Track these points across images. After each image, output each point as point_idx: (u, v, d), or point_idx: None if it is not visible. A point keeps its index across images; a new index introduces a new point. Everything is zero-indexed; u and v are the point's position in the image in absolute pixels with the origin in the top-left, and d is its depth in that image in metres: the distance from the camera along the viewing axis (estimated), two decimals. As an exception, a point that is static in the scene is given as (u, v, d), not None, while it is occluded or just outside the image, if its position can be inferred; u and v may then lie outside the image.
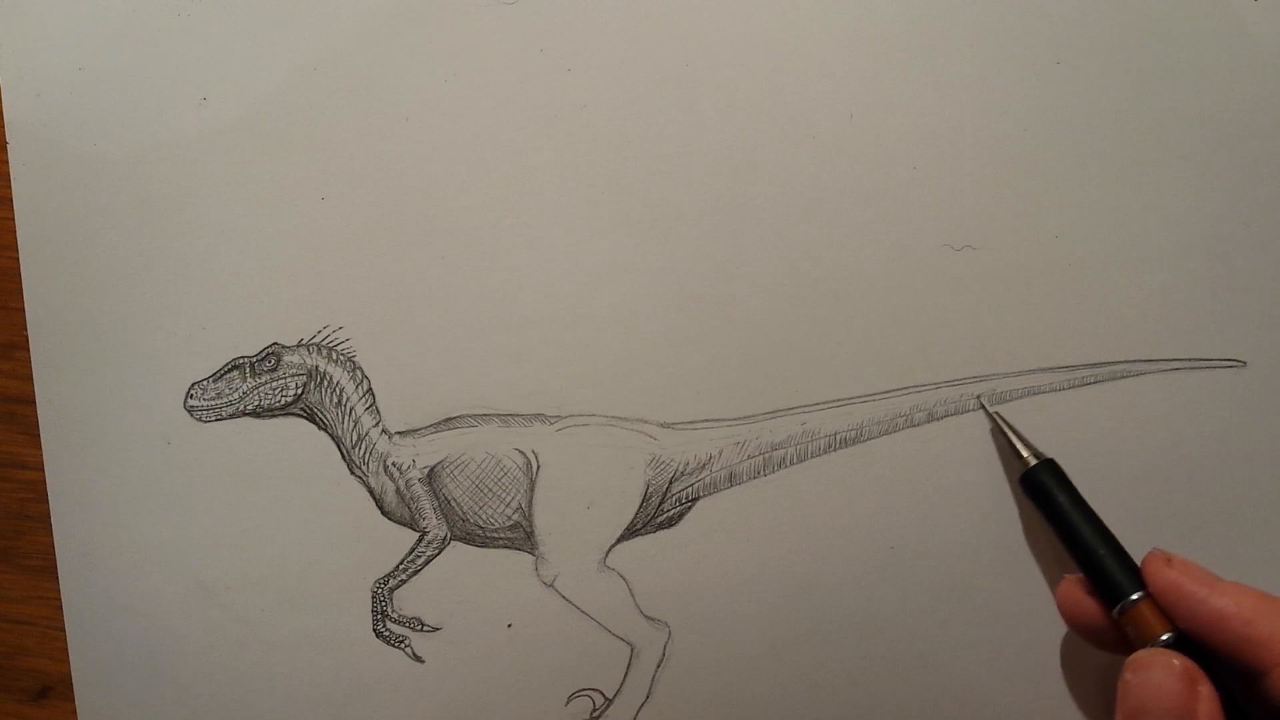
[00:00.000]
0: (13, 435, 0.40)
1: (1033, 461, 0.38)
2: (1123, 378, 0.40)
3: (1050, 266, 0.40)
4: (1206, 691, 0.31)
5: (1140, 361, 0.40)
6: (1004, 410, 0.39)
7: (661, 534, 0.40)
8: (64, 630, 0.39)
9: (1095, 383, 0.40)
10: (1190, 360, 0.40)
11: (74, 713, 0.40)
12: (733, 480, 0.40)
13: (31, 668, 0.40)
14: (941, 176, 0.40)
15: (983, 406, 0.40)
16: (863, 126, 0.40)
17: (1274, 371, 0.40)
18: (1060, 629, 0.39)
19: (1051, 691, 0.40)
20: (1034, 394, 0.40)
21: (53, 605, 0.39)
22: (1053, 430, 0.40)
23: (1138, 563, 0.35)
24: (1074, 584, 0.36)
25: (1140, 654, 0.33)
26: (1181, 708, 0.31)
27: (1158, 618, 0.33)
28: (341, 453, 0.39)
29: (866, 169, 0.40)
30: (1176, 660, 0.32)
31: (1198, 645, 0.33)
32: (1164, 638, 0.33)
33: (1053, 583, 0.39)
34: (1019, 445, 0.38)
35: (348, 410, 0.39)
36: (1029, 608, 0.40)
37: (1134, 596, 0.34)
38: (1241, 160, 0.40)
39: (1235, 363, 0.40)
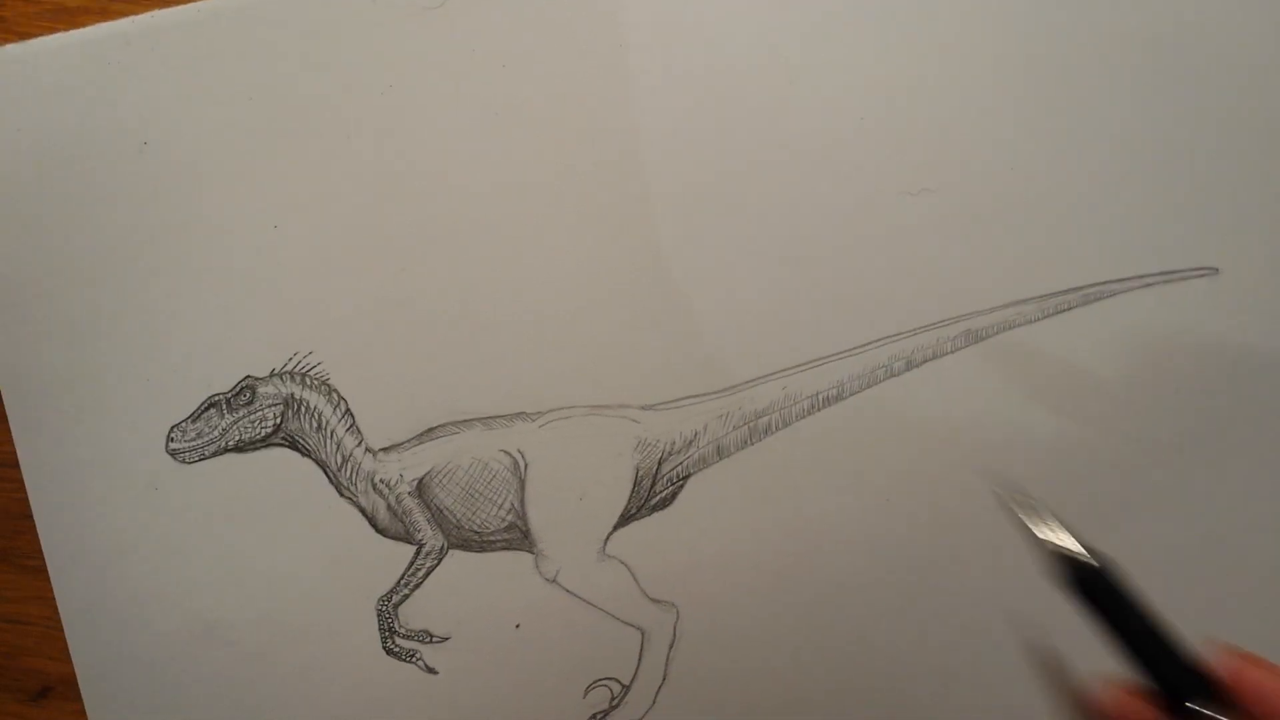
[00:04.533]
0: (4, 434, 0.40)
1: (1085, 560, 0.30)
2: (1097, 300, 0.40)
3: (1009, 201, 0.40)
4: None
5: (1112, 282, 0.40)
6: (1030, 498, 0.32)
7: (657, 516, 0.40)
8: (64, 630, 0.39)
9: (1071, 309, 0.40)
10: (1162, 274, 0.40)
11: (74, 713, 0.40)
12: (721, 453, 0.40)
13: (31, 668, 0.41)
14: (890, 126, 0.40)
15: (1010, 505, 0.32)
16: (804, 88, 0.40)
17: (1246, 274, 0.40)
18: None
19: (1058, 629, 0.40)
20: (1011, 328, 0.40)
21: (52, 605, 0.39)
22: (1033, 360, 0.39)
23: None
24: (1126, 693, 0.30)
25: None
26: None
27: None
28: (328, 476, 0.39)
29: (813, 129, 0.40)
30: None
31: None
32: None
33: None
34: (1069, 550, 0.31)
35: (329, 433, 0.39)
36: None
37: (1191, 705, 0.28)
38: (1186, 70, 0.40)
39: (1207, 270, 0.40)
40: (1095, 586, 0.30)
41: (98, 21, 0.40)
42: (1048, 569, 0.31)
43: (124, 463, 0.39)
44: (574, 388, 0.40)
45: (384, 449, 0.39)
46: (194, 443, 0.39)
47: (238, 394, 0.39)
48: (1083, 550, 0.31)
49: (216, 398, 0.39)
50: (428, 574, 0.39)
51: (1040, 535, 0.31)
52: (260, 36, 0.39)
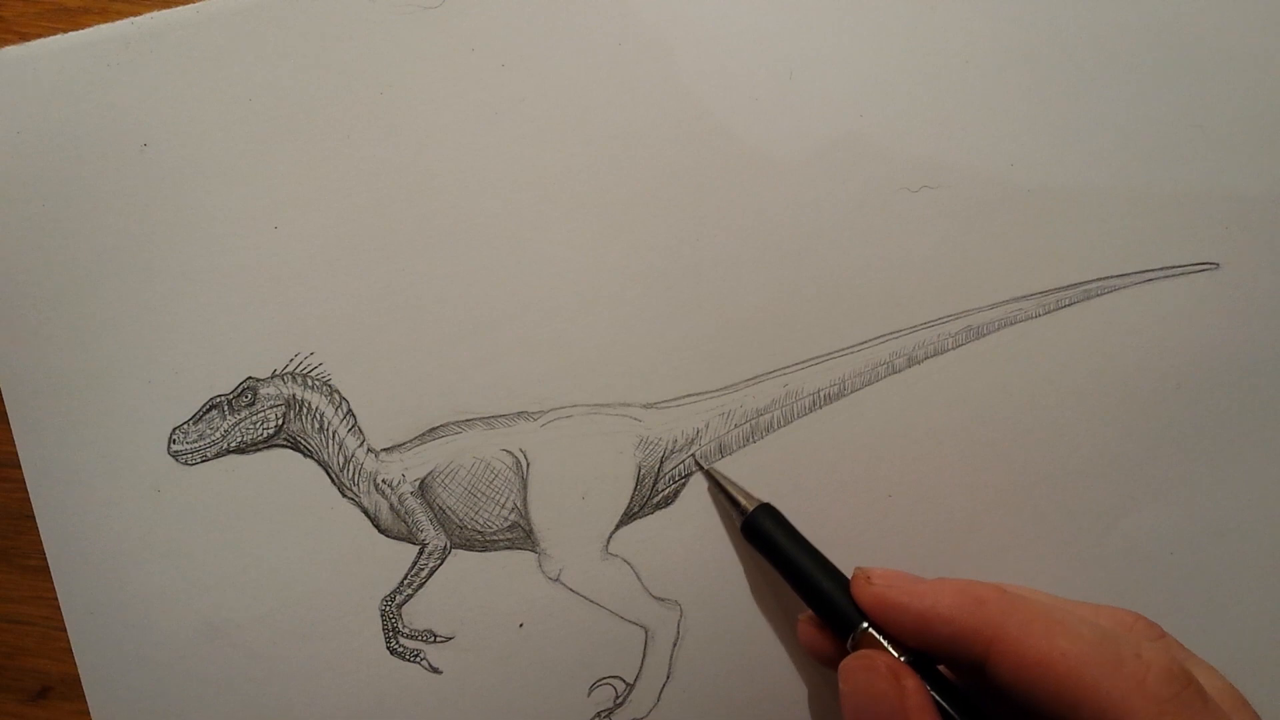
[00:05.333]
0: (4, 434, 0.40)
1: (750, 508, 0.37)
2: (1098, 295, 0.40)
3: (1010, 195, 0.40)
4: (913, 684, 0.31)
5: (1113, 277, 0.40)
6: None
7: (660, 514, 0.40)
8: (64, 630, 0.39)
9: (1071, 304, 0.40)
10: (1162, 269, 0.40)
11: (74, 713, 0.40)
12: (723, 451, 0.40)
13: (31, 668, 0.41)
14: (889, 121, 0.40)
15: (697, 465, 0.39)
16: (804, 82, 0.40)
17: (1247, 268, 0.40)
18: (1070, 557, 0.39)
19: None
20: (1011, 323, 0.40)
21: (52, 605, 0.39)
22: (1034, 357, 0.39)
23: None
24: (808, 623, 0.36)
25: (845, 661, 0.32)
26: (890, 704, 0.30)
27: (889, 644, 0.33)
28: (330, 477, 0.39)
29: (813, 124, 0.40)
30: (878, 659, 0.31)
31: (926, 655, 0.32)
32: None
33: (1047, 512, 0.39)
34: (736, 495, 0.38)
35: (330, 434, 0.39)
36: (1031, 538, 0.39)
37: (862, 627, 0.33)
38: (1188, 63, 0.40)
39: (1208, 265, 0.40)
40: (758, 528, 0.37)
41: (98, 22, 0.40)
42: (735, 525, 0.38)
43: (126, 464, 0.39)
44: (575, 386, 0.40)
45: (386, 449, 0.39)
46: (196, 444, 0.39)
47: (239, 395, 0.39)
48: (746, 498, 0.38)
49: (218, 399, 0.39)
50: (431, 574, 0.39)
51: (712, 490, 0.39)
52: (260, 37, 0.39)
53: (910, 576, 0.33)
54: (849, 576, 0.35)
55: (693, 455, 0.40)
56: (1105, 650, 0.28)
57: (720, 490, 0.39)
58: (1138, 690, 0.27)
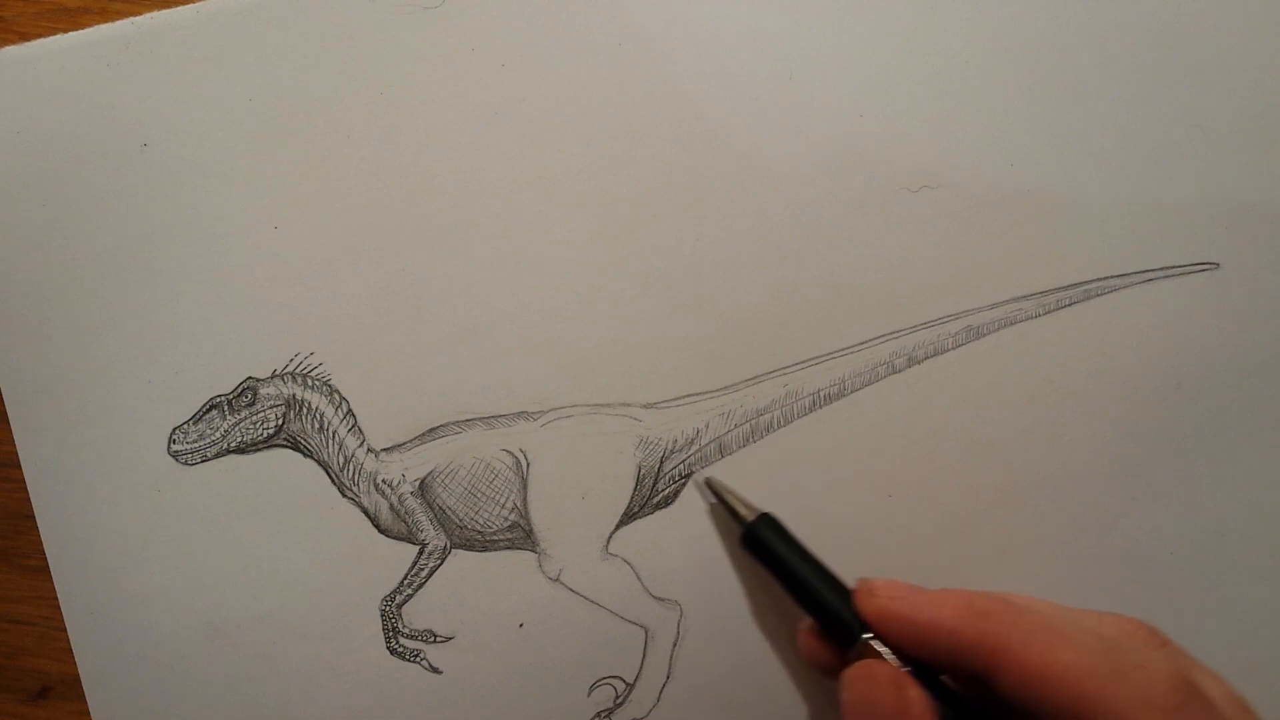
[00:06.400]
0: (5, 434, 0.40)
1: (749, 518, 0.37)
2: (1098, 295, 0.40)
3: (1010, 195, 0.40)
4: (915, 695, 0.31)
5: (1113, 277, 0.40)
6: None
7: (660, 514, 0.40)
8: (64, 630, 0.39)
9: (1071, 304, 0.40)
10: (1163, 269, 0.40)
11: (74, 713, 0.40)
12: (723, 451, 0.40)
13: (31, 668, 0.41)
14: (889, 121, 0.40)
15: (694, 479, 0.39)
16: (804, 82, 0.40)
17: (1247, 268, 0.40)
18: (1070, 557, 0.39)
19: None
20: (1012, 323, 0.40)
21: (52, 605, 0.39)
22: (1034, 357, 0.39)
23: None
24: (808, 633, 0.35)
25: (847, 671, 0.32)
26: (893, 715, 0.30)
27: (892, 655, 0.32)
28: (330, 477, 0.39)
29: (813, 124, 0.40)
30: (880, 669, 0.31)
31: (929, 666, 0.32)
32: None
33: (1047, 512, 0.39)
34: (735, 505, 0.38)
35: (330, 434, 0.39)
36: (1032, 538, 0.39)
37: (864, 637, 0.33)
38: (1188, 63, 0.40)
39: (1208, 265, 0.40)
40: (759, 539, 0.36)
41: (98, 22, 0.40)
42: (734, 535, 0.38)
43: (126, 464, 0.39)
44: (575, 386, 0.40)
45: (386, 449, 0.39)
46: (196, 444, 0.39)
47: (239, 395, 0.39)
48: (746, 508, 0.37)
49: (218, 399, 0.39)
50: (431, 574, 0.39)
51: (709, 501, 0.39)
52: (260, 37, 0.39)
53: (913, 588, 0.33)
54: (849, 583, 0.35)
55: (690, 469, 0.40)
56: (1109, 661, 0.28)
57: (719, 501, 0.38)
58: (1143, 701, 0.27)
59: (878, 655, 0.32)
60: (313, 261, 0.39)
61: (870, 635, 0.33)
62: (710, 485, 0.39)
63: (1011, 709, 0.30)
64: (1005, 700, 0.30)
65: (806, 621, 0.35)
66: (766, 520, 0.37)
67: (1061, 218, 0.40)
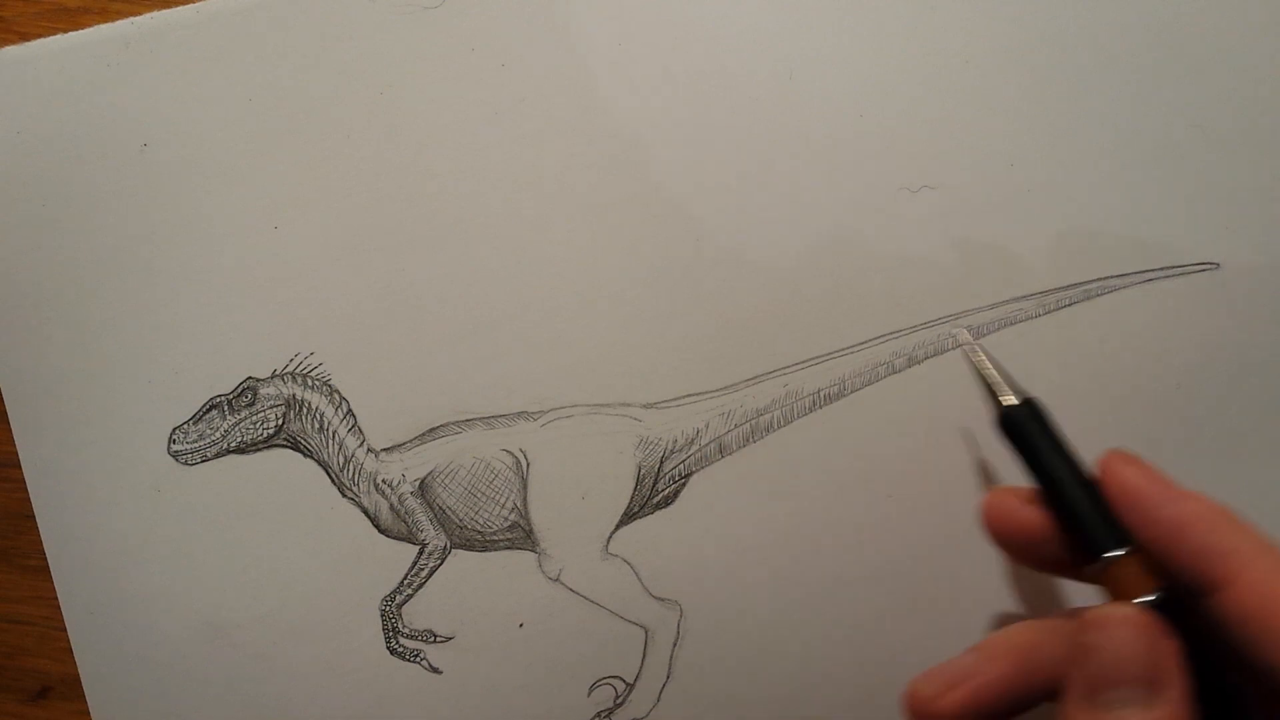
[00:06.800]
0: (5, 434, 0.40)
1: (1010, 402, 0.33)
2: (1098, 296, 0.40)
3: (1010, 195, 0.40)
4: (1179, 654, 0.26)
5: (1113, 277, 0.40)
6: (986, 344, 0.37)
7: (660, 514, 0.40)
8: (64, 630, 0.39)
9: (1071, 304, 0.40)
10: (1162, 269, 0.40)
11: (74, 713, 0.40)
12: (723, 451, 0.40)
13: (31, 668, 0.41)
14: (889, 121, 0.40)
15: (953, 339, 0.37)
16: (804, 82, 0.40)
17: (1248, 269, 0.40)
18: (1069, 554, 0.39)
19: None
20: (1011, 324, 0.40)
21: (52, 605, 0.39)
22: (1034, 357, 0.39)
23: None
24: (1007, 494, 0.31)
25: (1102, 610, 0.26)
26: (1150, 674, 0.25)
27: (1143, 577, 0.28)
28: (330, 477, 0.39)
29: (813, 124, 0.40)
30: (1148, 616, 0.26)
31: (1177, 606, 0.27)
32: (1149, 598, 0.27)
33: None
34: (993, 384, 0.34)
35: (330, 434, 0.39)
36: (1033, 536, 0.39)
37: (1119, 551, 0.29)
38: (1188, 63, 0.40)
39: (1208, 265, 0.40)
40: (1019, 426, 0.33)
41: (98, 22, 0.40)
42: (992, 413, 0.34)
43: (126, 464, 0.39)
44: (575, 386, 0.40)
45: (386, 449, 0.39)
46: (196, 444, 0.39)
47: (239, 395, 0.39)
48: (1010, 389, 0.34)
49: (218, 399, 0.39)
50: (431, 574, 0.39)
51: (979, 374, 0.35)
52: (260, 37, 0.39)
53: (1167, 477, 0.29)
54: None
55: (690, 469, 0.39)
56: None
57: (976, 374, 0.35)
58: None
59: (1135, 579, 0.28)
60: (313, 261, 0.39)
61: (1130, 549, 0.29)
62: (969, 355, 0.35)
63: (1222, 638, 0.26)
64: (1218, 627, 0.26)
65: (1000, 487, 0.32)
66: (1029, 407, 0.33)
67: (1061, 217, 0.40)
